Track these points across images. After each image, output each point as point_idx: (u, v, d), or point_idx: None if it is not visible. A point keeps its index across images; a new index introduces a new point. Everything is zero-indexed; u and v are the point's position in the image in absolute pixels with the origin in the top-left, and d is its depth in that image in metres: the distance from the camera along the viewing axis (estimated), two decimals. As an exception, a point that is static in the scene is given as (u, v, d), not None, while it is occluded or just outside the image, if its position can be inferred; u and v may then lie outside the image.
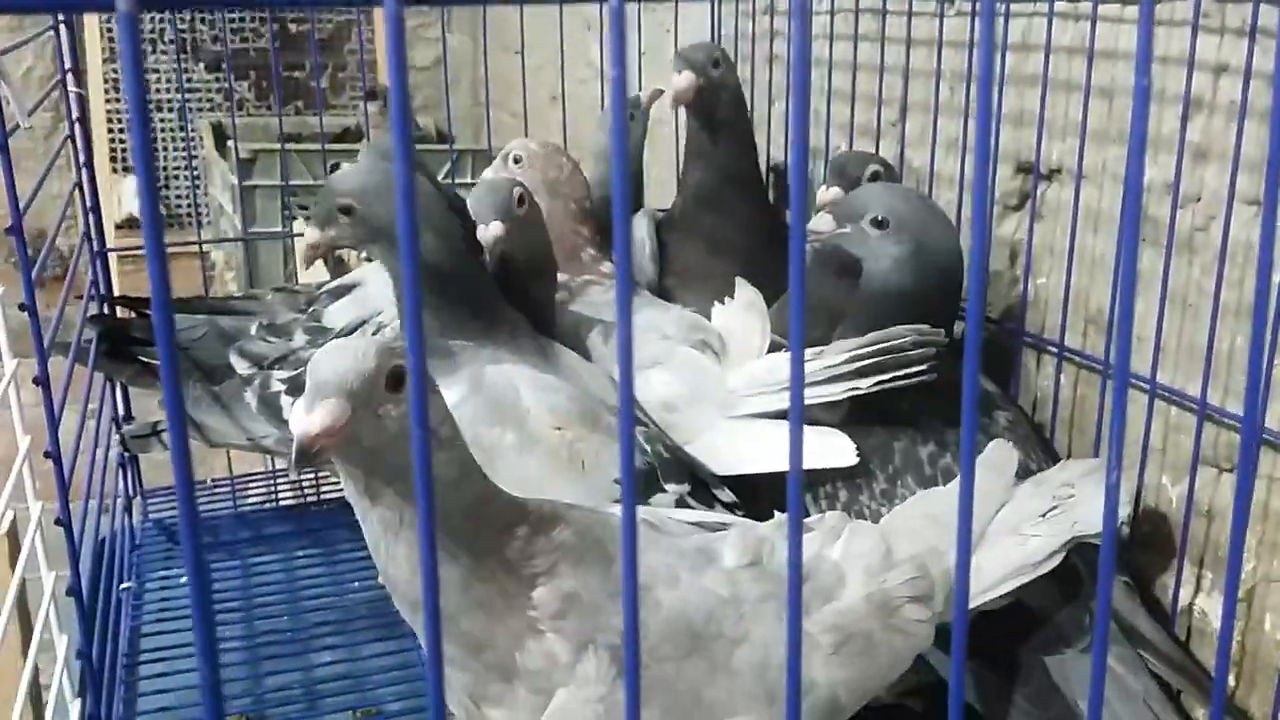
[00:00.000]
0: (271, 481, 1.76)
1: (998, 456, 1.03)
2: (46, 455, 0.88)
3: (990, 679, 1.07)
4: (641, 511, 0.98)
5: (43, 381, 0.83)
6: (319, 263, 2.75)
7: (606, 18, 0.38)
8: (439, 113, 3.24)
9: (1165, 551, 1.15)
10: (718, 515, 1.02)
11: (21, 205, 0.83)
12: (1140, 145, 0.44)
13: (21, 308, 0.81)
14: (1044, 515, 0.98)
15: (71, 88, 1.35)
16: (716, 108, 1.39)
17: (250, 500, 1.74)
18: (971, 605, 0.95)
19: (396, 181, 0.38)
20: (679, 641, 0.79)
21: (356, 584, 1.52)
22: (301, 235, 2.44)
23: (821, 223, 1.14)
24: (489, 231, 1.16)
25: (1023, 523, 0.97)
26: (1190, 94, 1.05)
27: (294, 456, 0.68)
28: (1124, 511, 1.03)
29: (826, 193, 1.28)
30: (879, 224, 1.12)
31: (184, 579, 1.52)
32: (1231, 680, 1.08)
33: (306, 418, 0.69)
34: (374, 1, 0.41)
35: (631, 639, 0.40)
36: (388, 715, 1.26)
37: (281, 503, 1.74)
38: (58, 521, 0.90)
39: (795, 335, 0.45)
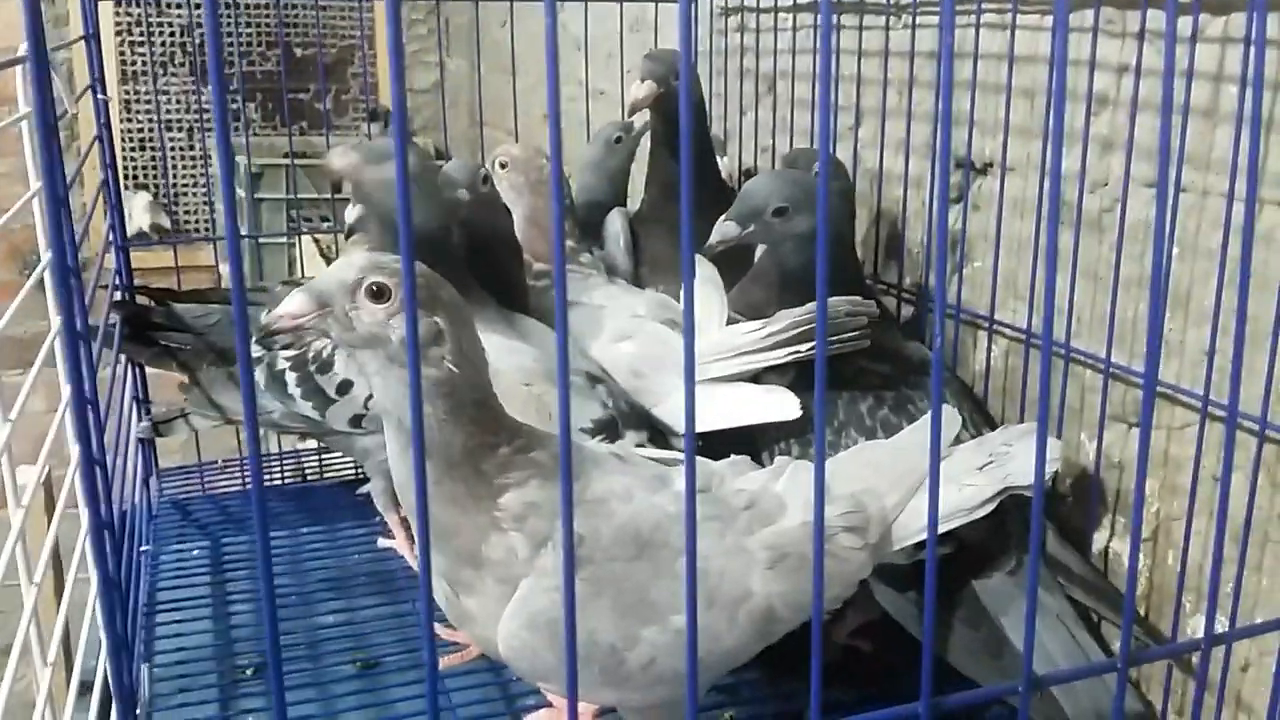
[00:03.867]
0: (279, 462, 1.89)
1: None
2: (85, 401, 1.00)
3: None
4: (611, 447, 1.11)
5: (83, 335, 0.95)
6: (322, 264, 2.90)
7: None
8: (438, 133, 3.38)
9: (1085, 501, 1.28)
10: (677, 454, 1.14)
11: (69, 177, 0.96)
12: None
13: (65, 271, 0.94)
14: (980, 468, 1.08)
15: (100, 95, 1.49)
16: (677, 113, 1.53)
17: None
18: (910, 541, 1.05)
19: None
20: (627, 545, 0.91)
21: (356, 555, 1.64)
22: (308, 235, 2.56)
23: (728, 230, 1.27)
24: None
25: (961, 474, 1.07)
26: (1093, 91, 1.19)
27: (259, 332, 0.84)
28: (1054, 466, 1.15)
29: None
30: (780, 213, 1.25)
31: (195, 550, 1.65)
32: (1141, 611, 1.21)
33: (280, 304, 0.85)
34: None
35: (692, 562, 0.53)
36: (385, 664, 1.38)
37: (287, 482, 1.87)
38: (94, 461, 1.02)
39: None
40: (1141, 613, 1.21)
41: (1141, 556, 1.19)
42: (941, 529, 1.07)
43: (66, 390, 1.10)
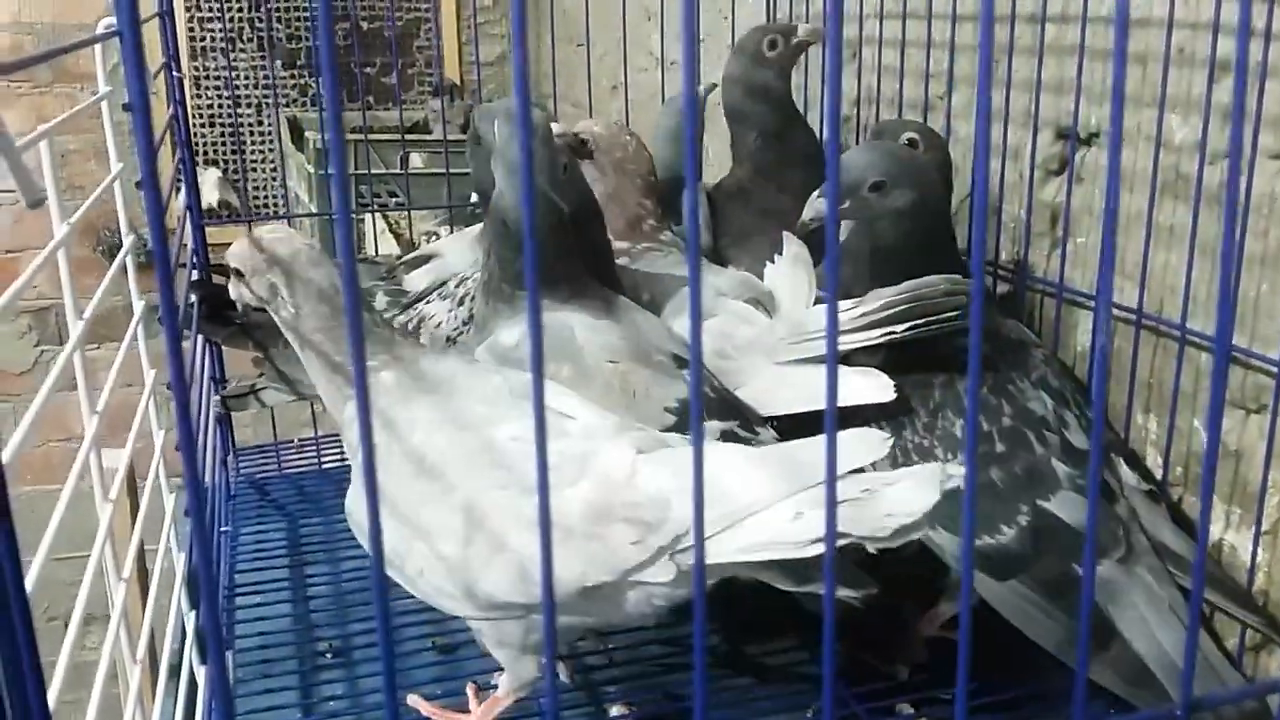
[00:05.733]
0: (353, 442, 1.87)
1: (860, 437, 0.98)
2: (167, 386, 0.98)
3: (1033, 596, 1.13)
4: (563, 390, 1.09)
5: (166, 314, 0.93)
6: (390, 239, 2.87)
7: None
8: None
9: (1197, 490, 1.21)
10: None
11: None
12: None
13: (146, 245, 0.92)
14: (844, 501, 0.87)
15: (175, 73, 1.47)
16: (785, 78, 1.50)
17: (331, 459, 1.86)
18: (724, 560, 0.90)
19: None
20: (407, 466, 1.00)
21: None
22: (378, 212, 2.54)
23: (821, 206, 1.19)
24: None
25: (811, 503, 0.89)
26: (1216, 56, 1.12)
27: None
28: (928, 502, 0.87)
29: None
30: (877, 188, 1.19)
31: (273, 531, 1.64)
32: (1261, 603, 1.14)
33: None
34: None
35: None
36: (464, 650, 1.35)
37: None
38: (177, 447, 1.00)
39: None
40: (1261, 604, 1.14)
41: (1260, 550, 1.13)
42: (753, 557, 0.91)
43: (150, 375, 1.08)
